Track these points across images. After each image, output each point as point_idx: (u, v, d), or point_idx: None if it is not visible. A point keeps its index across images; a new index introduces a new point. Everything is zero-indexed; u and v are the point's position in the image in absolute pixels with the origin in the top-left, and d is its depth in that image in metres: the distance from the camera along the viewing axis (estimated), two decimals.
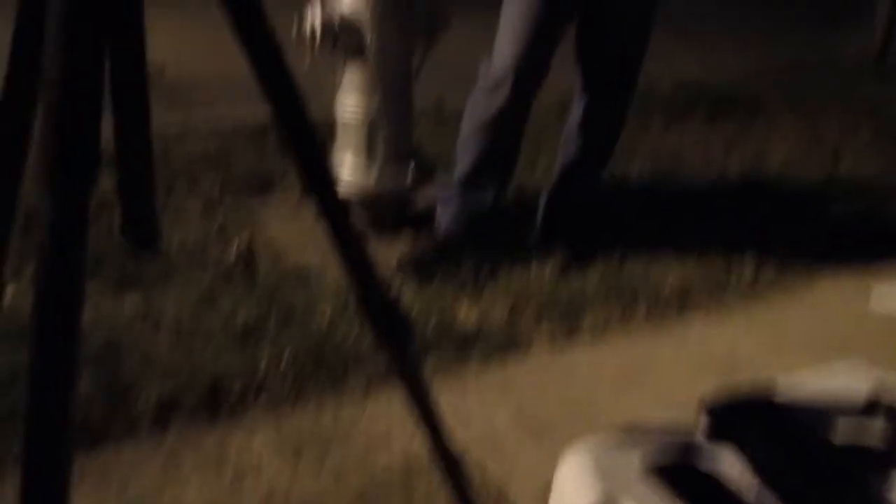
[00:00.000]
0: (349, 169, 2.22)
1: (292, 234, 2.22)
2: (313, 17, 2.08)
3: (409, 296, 2.02)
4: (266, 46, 0.76)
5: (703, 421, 1.20)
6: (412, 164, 2.25)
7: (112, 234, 1.56)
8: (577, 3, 1.95)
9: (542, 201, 2.32)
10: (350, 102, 2.19)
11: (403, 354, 0.95)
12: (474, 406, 1.71)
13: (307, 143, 0.84)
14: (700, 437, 1.18)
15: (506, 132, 2.04)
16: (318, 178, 0.87)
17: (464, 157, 2.09)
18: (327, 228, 0.86)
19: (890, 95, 4.14)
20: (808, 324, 2.06)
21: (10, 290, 1.43)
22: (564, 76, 2.13)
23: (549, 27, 1.92)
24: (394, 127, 2.19)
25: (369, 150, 2.20)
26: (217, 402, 1.63)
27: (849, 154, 3.24)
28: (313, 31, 2.08)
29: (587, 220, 2.31)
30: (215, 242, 2.15)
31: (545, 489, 1.25)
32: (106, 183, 0.72)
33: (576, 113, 2.13)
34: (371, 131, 2.18)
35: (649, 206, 2.67)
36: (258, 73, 0.77)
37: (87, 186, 0.64)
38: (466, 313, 1.96)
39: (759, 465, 1.10)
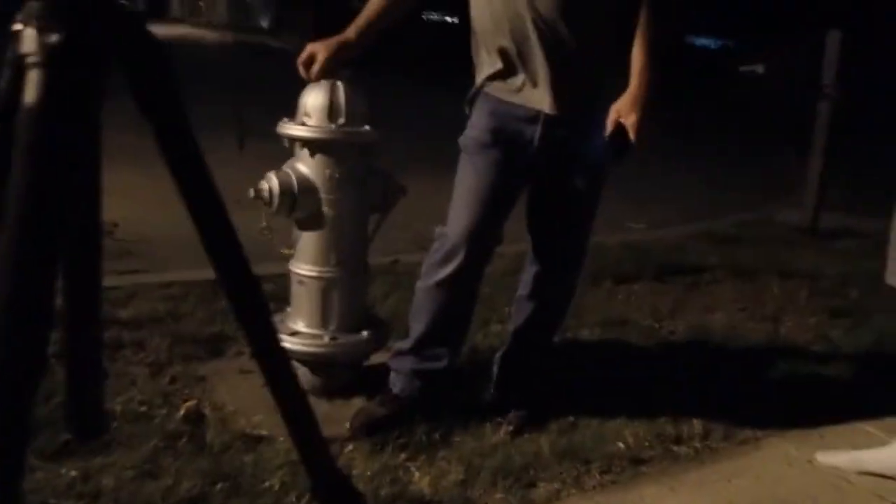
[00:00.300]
0: (303, 332, 2.23)
1: (242, 397, 2.19)
2: (270, 181, 2.15)
3: (361, 460, 1.98)
4: (210, 208, 0.78)
5: None
6: (366, 329, 2.27)
7: (50, 400, 1.54)
8: (526, 176, 2.06)
9: (496, 364, 2.35)
10: (305, 266, 2.23)
11: None
12: None
13: (252, 307, 0.85)
14: None
15: (459, 298, 2.09)
16: (264, 343, 0.88)
17: (418, 321, 2.13)
18: (273, 394, 0.86)
19: (823, 261, 4.35)
20: (757, 485, 2.06)
21: None
22: (520, 234, 2.21)
23: (500, 199, 2.01)
24: (348, 292, 2.23)
25: (324, 314, 2.22)
26: None
27: (789, 317, 3.35)
28: (270, 195, 2.14)
29: (540, 382, 2.33)
30: (161, 407, 2.11)
31: None
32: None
33: (527, 281, 2.20)
34: (326, 296, 2.21)
35: (600, 368, 2.70)
36: (202, 234, 0.78)
37: (31, 392, 0.65)
38: (419, 479, 1.92)
39: None
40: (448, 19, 23.26)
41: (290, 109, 2.21)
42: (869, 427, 2.39)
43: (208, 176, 0.77)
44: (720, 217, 5.76)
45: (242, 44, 26.42)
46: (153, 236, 3.66)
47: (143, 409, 2.08)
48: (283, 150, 2.23)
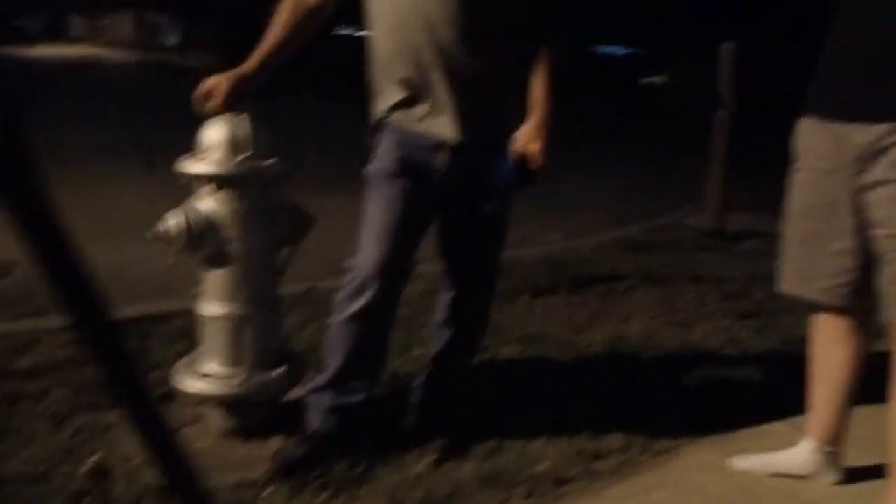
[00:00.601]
0: (215, 374, 2.17)
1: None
2: (172, 220, 2.09)
3: (281, 501, 1.93)
4: (50, 241, 0.71)
5: None
6: (282, 365, 2.22)
7: None
8: (435, 205, 2.06)
9: (416, 391, 2.33)
10: (214, 305, 2.16)
11: None
12: None
13: (110, 351, 0.80)
14: None
15: (374, 330, 2.06)
16: (127, 392, 0.83)
17: (333, 356, 2.09)
18: (146, 447, 0.81)
19: (731, 263, 4.50)
20: (676, 495, 2.10)
21: None
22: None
23: (410, 230, 2.00)
24: (261, 329, 2.17)
25: (236, 353, 2.16)
26: None
27: (701, 322, 3.45)
28: (173, 233, 2.08)
29: (461, 408, 2.33)
30: (64, 464, 2.00)
31: None
32: None
33: (442, 306, 2.20)
34: (237, 335, 2.15)
35: (521, 387, 2.71)
36: (43, 271, 0.71)
37: None
38: None
39: None
40: (359, 34, 23.21)
41: (196, 130, 2.14)
42: (779, 426, 2.46)
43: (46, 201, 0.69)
44: (633, 224, 5.90)
45: (148, 63, 25.79)
46: None
47: (43, 468, 1.96)
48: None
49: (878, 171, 1.72)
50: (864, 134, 1.72)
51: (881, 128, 1.69)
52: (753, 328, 3.36)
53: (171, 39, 36.18)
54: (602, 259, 4.58)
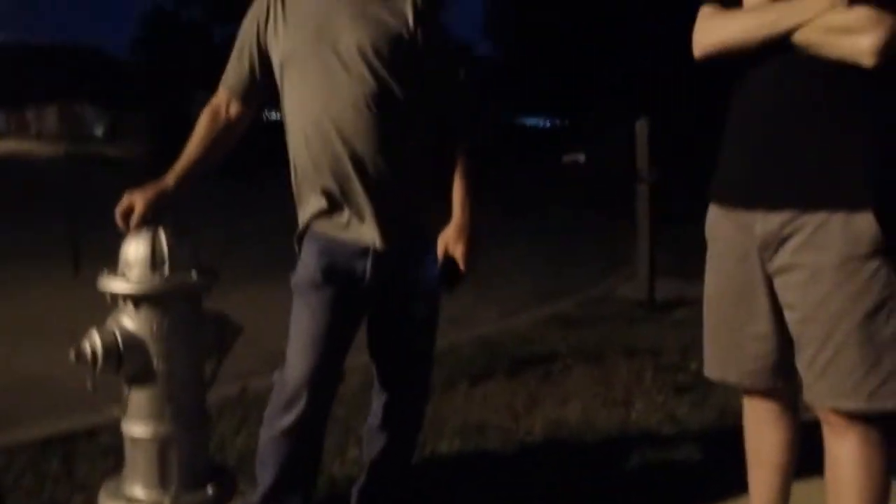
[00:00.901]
0: (140, 498, 2.07)
1: None
2: (93, 341, 2.02)
3: None
4: None
5: None
6: (211, 482, 2.14)
7: None
8: (362, 311, 2.05)
9: (354, 497, 2.27)
10: (138, 424, 2.09)
11: None
12: None
13: None
14: None
15: (306, 442, 2.01)
16: None
17: (265, 471, 2.03)
18: None
19: (663, 334, 4.59)
20: None
21: None
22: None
23: (337, 339, 1.98)
24: (188, 447, 2.10)
25: (162, 474, 2.07)
26: None
27: (638, 399, 3.47)
28: (94, 355, 2.01)
29: None
30: None
31: None
32: None
33: (376, 410, 2.16)
34: (162, 454, 2.07)
35: (461, 484, 2.67)
36: None
37: None
38: None
39: None
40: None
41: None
42: None
43: None
44: (566, 297, 5.99)
45: (75, 155, 25.43)
46: None
47: None
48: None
49: (784, 258, 1.77)
50: (766, 223, 1.78)
51: (782, 216, 1.75)
52: (690, 402, 3.40)
53: (98, 129, 35.88)
54: (537, 337, 4.62)
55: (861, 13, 1.61)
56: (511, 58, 29.22)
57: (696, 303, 2.00)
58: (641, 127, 5.25)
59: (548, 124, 31.38)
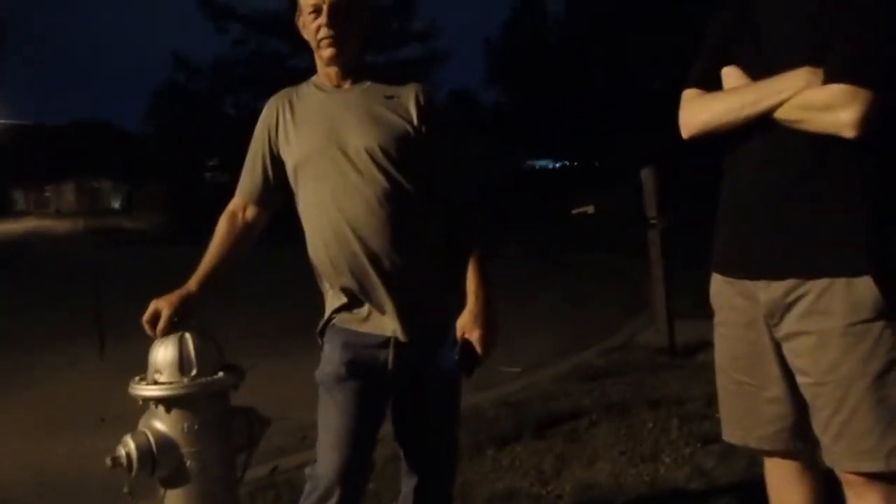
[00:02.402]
0: None
1: None
2: (128, 446, 2.09)
3: None
4: None
5: None
6: None
7: None
8: (386, 401, 2.10)
9: None
10: None
11: None
12: None
13: None
14: None
15: None
16: None
17: None
18: None
19: (686, 381, 4.59)
20: None
21: None
22: None
23: (365, 432, 2.03)
24: None
25: None
26: None
27: (665, 453, 3.48)
28: (129, 460, 2.08)
29: None
30: None
31: None
32: None
33: (406, 494, 2.21)
34: None
35: None
36: None
37: None
38: None
39: None
40: None
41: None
42: None
43: None
44: (586, 347, 6.00)
45: (94, 229, 25.83)
46: None
47: None
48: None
49: (790, 324, 1.82)
50: (769, 291, 1.83)
51: (785, 284, 1.80)
52: (717, 454, 3.40)
53: (115, 203, 36.46)
54: (562, 393, 4.63)
55: (837, 89, 1.68)
56: (516, 103, 29.61)
57: None
58: (647, 175, 5.33)
59: (556, 166, 31.62)
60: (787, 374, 1.89)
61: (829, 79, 1.69)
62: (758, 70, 1.82)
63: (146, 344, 2.17)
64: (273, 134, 2.13)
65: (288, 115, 2.12)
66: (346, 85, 2.10)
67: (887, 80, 1.67)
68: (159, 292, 2.16)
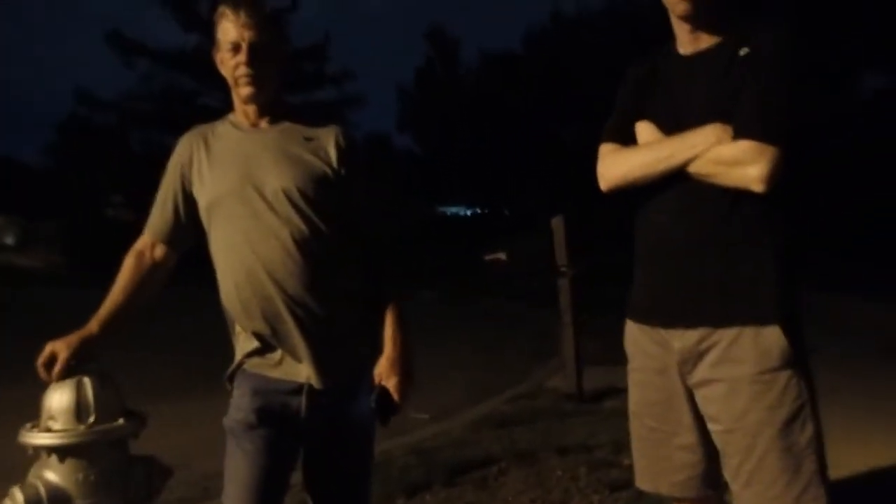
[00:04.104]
0: None
1: None
2: (15, 497, 1.93)
3: None
4: None
5: None
6: None
7: None
8: (296, 449, 2.02)
9: None
10: None
11: None
12: None
13: None
14: None
15: None
16: None
17: None
18: None
19: (594, 428, 4.64)
20: None
21: None
22: None
23: (275, 480, 1.94)
24: None
25: None
26: None
27: (575, 501, 3.49)
28: None
29: None
30: None
31: None
32: None
33: None
34: None
35: None
36: None
37: None
38: None
39: None
40: None
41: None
42: None
43: None
44: (496, 394, 6.02)
45: None
46: None
47: None
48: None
49: (703, 372, 1.86)
50: (682, 339, 1.87)
51: (698, 332, 1.85)
52: (625, 501, 3.43)
53: (8, 239, 34.73)
54: (471, 440, 4.61)
55: (746, 145, 1.75)
56: (429, 149, 29.99)
57: (625, 391, 2.07)
58: (557, 223, 5.44)
59: (468, 213, 32.02)
60: (699, 422, 1.92)
61: (737, 135, 1.76)
62: (670, 125, 1.88)
63: (37, 388, 2.04)
64: (187, 171, 2.07)
65: (203, 154, 2.06)
66: (264, 124, 2.06)
67: (792, 136, 1.76)
68: (52, 333, 2.03)
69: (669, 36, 1.96)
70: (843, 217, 18.00)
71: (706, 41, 1.88)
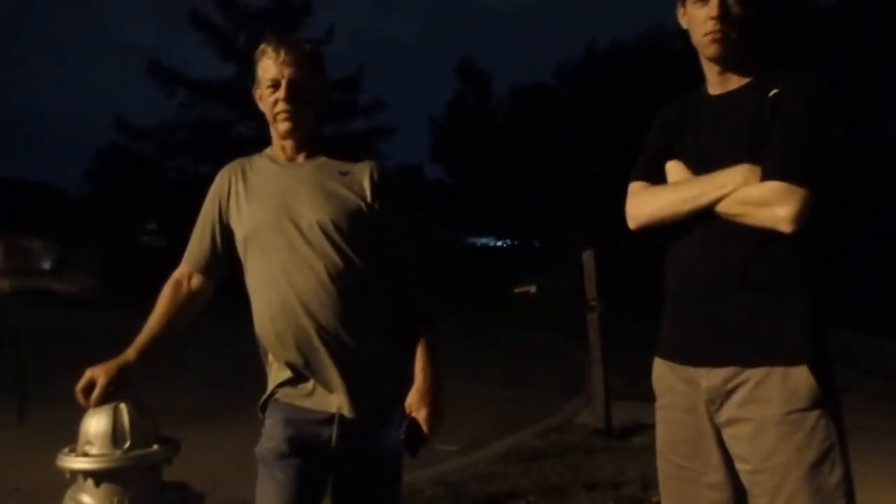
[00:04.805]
0: None
1: None
2: None
3: None
4: None
5: None
6: None
7: None
8: (326, 478, 2.04)
9: None
10: None
11: None
12: None
13: None
14: None
15: None
16: None
17: None
18: None
19: (623, 465, 4.60)
20: None
21: None
22: None
23: None
24: None
25: None
26: None
27: None
28: None
29: None
30: None
31: None
32: None
33: None
34: None
35: None
36: None
37: None
38: None
39: None
40: None
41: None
42: None
43: None
44: (524, 427, 5.98)
45: (21, 290, 24.92)
46: None
47: None
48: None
49: (730, 411, 1.86)
50: (710, 378, 1.87)
51: (725, 371, 1.85)
52: None
53: (46, 264, 35.34)
54: (499, 474, 4.59)
55: (775, 186, 1.77)
56: (459, 180, 30.14)
57: (653, 427, 2.07)
58: (588, 257, 5.44)
59: (499, 244, 32.06)
60: (727, 461, 1.92)
61: (766, 176, 1.78)
62: (699, 165, 1.91)
63: (71, 411, 2.09)
64: (224, 203, 2.13)
65: (241, 186, 2.12)
66: (300, 159, 2.11)
67: (819, 178, 1.77)
68: (85, 358, 2.09)
69: (700, 74, 1.99)
70: (882, 259, 17.74)
71: (735, 82, 1.91)
